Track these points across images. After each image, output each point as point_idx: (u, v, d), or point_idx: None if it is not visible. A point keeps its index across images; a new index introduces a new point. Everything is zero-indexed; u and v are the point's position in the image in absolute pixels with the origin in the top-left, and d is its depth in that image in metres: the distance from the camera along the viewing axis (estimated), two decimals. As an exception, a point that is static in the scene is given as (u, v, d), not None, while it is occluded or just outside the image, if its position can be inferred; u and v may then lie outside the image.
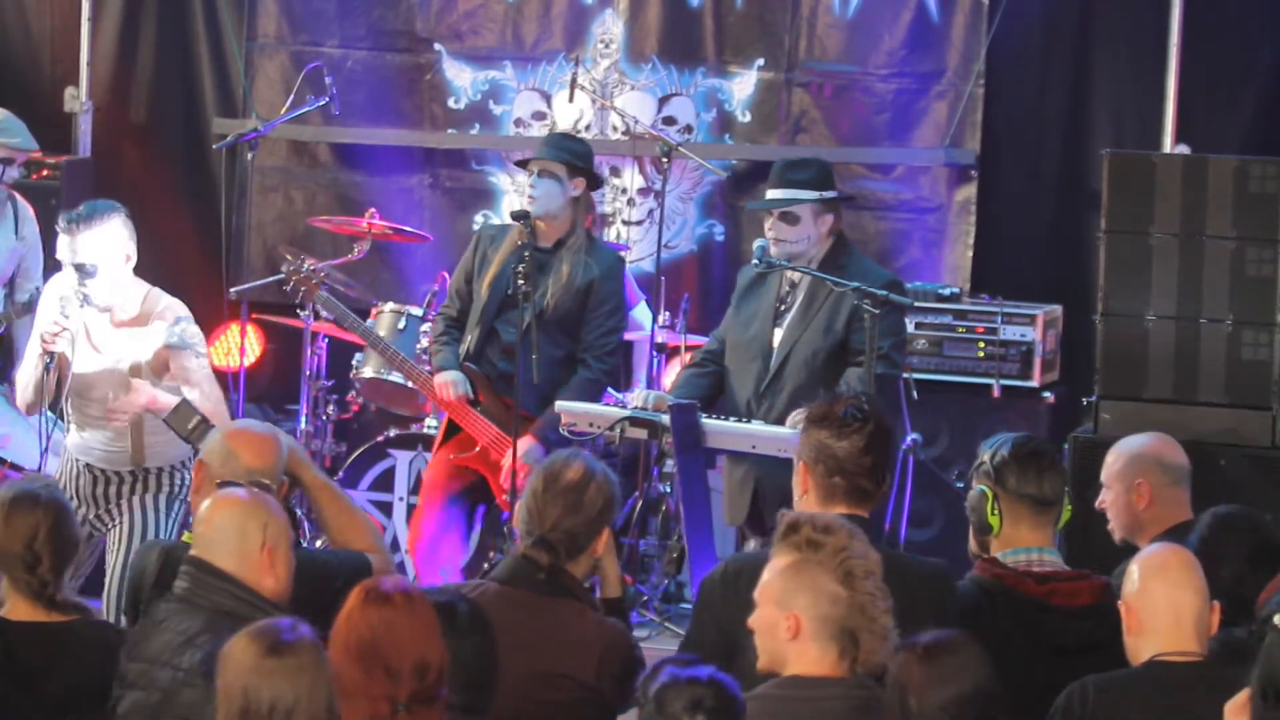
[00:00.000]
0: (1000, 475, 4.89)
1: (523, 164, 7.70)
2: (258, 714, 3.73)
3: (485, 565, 7.84)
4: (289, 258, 8.11)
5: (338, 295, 8.76)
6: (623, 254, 8.12)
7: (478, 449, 7.55)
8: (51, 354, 6.47)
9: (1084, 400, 7.62)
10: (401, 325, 8.30)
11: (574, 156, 7.53)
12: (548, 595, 4.69)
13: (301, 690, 3.73)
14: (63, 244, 6.46)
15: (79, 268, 6.40)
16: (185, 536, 5.05)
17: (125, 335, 6.57)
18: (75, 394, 6.57)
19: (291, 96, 9.20)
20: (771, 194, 6.99)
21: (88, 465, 6.63)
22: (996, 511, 4.89)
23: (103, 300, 6.48)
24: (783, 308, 6.95)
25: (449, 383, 7.50)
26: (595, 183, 7.70)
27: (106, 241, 6.42)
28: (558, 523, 4.73)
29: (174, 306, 6.60)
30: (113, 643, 4.73)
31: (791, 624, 4.15)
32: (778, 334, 6.91)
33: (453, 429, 7.63)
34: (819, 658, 4.14)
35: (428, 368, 7.81)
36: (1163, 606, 4.35)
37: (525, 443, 7.36)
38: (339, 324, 8.20)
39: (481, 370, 7.55)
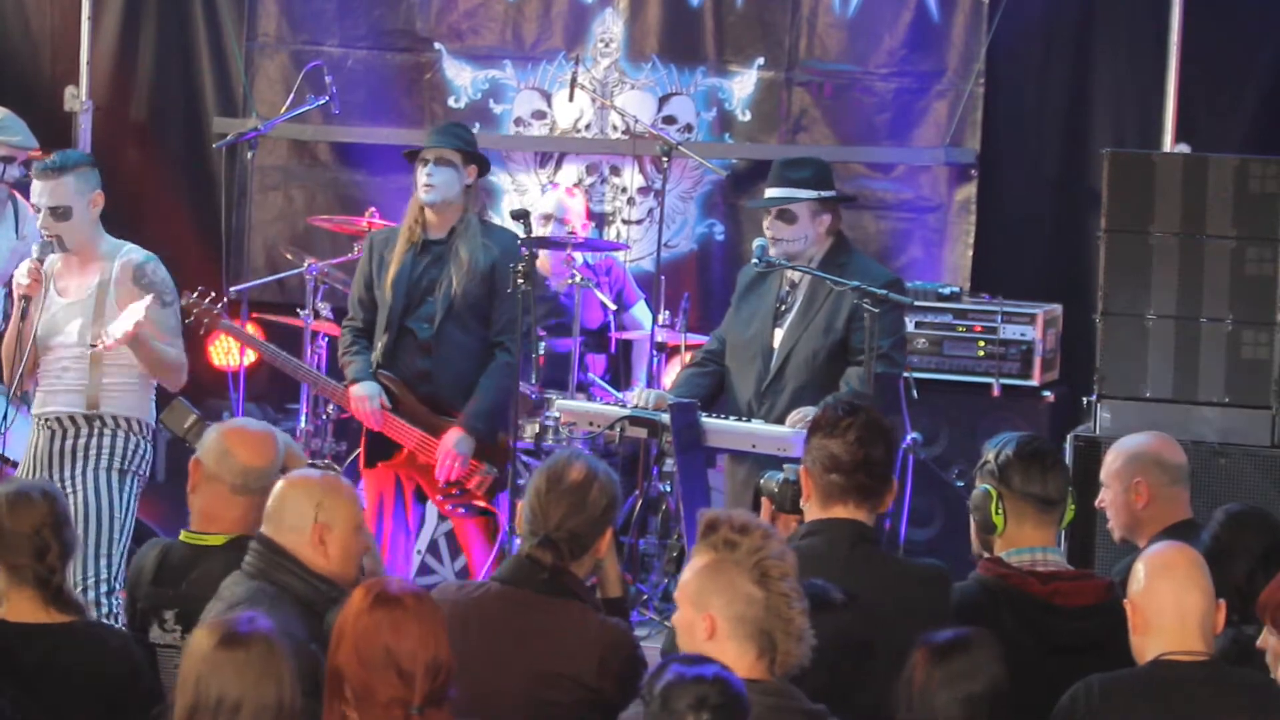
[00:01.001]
0: (1005, 475, 4.90)
1: (412, 156, 7.60)
2: (205, 707, 3.75)
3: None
4: (195, 289, 7.81)
5: (334, 296, 8.76)
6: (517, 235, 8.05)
7: (405, 453, 7.54)
8: (27, 299, 6.71)
9: (1084, 400, 7.63)
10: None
11: (466, 144, 7.51)
12: (550, 595, 4.69)
13: (248, 685, 3.75)
14: (38, 189, 6.73)
15: (54, 210, 6.67)
16: (183, 535, 5.13)
17: (92, 272, 6.76)
18: (41, 339, 6.74)
19: (291, 96, 9.22)
20: (770, 192, 7.00)
21: (45, 421, 6.74)
22: (1001, 511, 4.89)
23: (74, 242, 6.71)
24: (783, 308, 6.95)
25: (364, 397, 7.47)
26: (485, 169, 7.67)
27: (80, 186, 6.71)
28: (561, 523, 4.72)
29: (140, 250, 6.82)
30: (111, 644, 4.75)
31: (707, 624, 4.13)
32: (778, 334, 6.91)
33: (375, 439, 7.58)
34: (737, 659, 4.08)
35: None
36: (1169, 606, 4.35)
37: (454, 435, 7.39)
38: (250, 348, 8.14)
39: (399, 372, 7.52)
